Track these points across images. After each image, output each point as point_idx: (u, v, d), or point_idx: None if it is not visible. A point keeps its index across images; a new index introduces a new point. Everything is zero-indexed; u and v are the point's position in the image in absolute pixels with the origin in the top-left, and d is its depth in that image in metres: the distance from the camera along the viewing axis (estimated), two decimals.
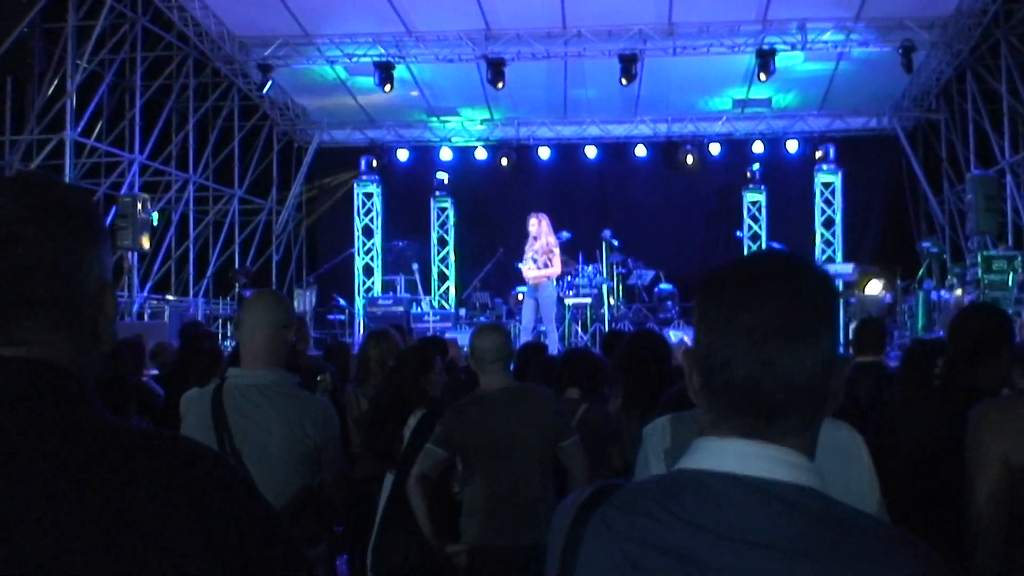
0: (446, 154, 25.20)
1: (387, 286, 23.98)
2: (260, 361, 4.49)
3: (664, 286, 21.52)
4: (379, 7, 18.65)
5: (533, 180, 24.70)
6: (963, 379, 4.32)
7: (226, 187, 23.44)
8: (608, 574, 1.66)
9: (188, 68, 20.91)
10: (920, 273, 18.96)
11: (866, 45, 19.39)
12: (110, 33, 18.26)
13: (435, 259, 25.52)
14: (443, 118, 24.78)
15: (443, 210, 25.69)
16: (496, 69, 19.40)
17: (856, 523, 1.59)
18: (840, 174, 24.22)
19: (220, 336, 20.81)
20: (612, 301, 19.99)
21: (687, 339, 16.30)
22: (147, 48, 19.65)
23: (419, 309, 21.98)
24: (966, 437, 3.50)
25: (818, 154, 24.18)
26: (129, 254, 18.56)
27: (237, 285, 20.13)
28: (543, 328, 16.80)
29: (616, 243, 20.06)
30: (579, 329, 18.96)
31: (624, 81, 19.33)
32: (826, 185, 24.45)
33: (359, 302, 23.75)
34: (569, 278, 19.22)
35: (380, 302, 21.61)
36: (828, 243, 24.37)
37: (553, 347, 14.73)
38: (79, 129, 17.52)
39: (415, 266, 22.79)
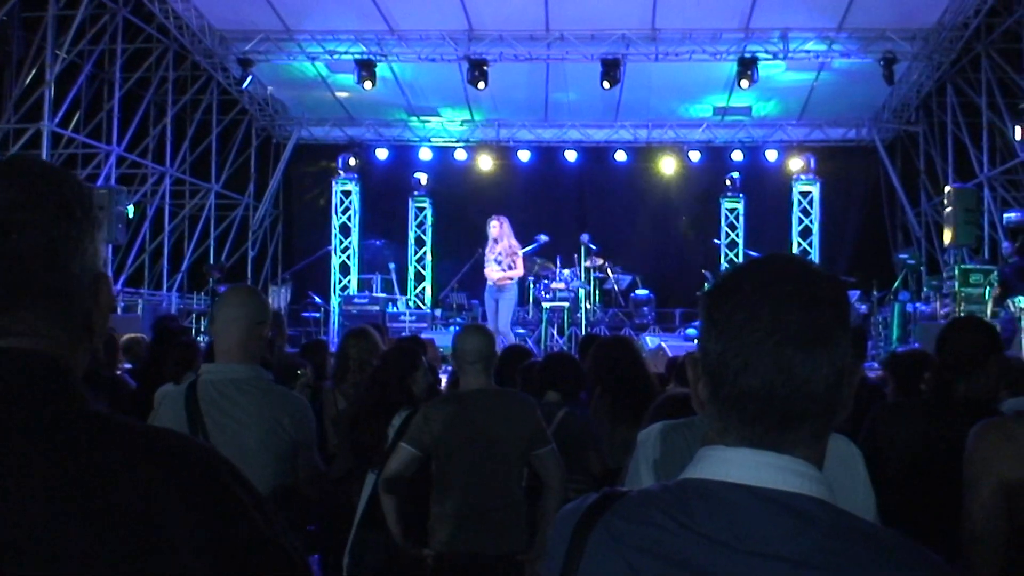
0: (425, 154, 25.16)
1: (363, 285, 23.97)
2: (235, 356, 4.47)
3: (641, 291, 21.58)
4: (361, 4, 18.62)
5: (512, 182, 24.74)
6: (953, 392, 4.32)
7: (203, 181, 23.34)
8: None
9: (168, 61, 20.77)
10: (896, 284, 19.07)
11: (848, 56, 19.46)
12: (90, 23, 18.12)
13: (412, 259, 25.49)
14: (423, 118, 24.77)
15: (421, 210, 25.65)
16: (478, 70, 19.38)
17: (867, 534, 1.57)
18: (818, 184, 24.29)
19: (193, 331, 20.70)
20: (589, 305, 20.01)
21: (664, 345, 16.32)
22: (127, 40, 19.52)
23: (395, 309, 21.96)
24: (964, 453, 3.48)
25: (797, 164, 24.25)
26: (104, 246, 18.44)
27: (211, 280, 20.03)
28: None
29: (594, 247, 20.07)
30: (555, 332, 18.96)
31: (606, 85, 19.34)
32: (804, 194, 24.51)
33: (335, 300, 23.66)
34: (546, 282, 19.24)
35: (356, 301, 21.58)
36: (805, 253, 24.36)
37: None
38: (56, 119, 17.38)
39: (392, 265, 22.80)
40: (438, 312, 22.13)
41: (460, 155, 25.03)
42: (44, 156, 16.90)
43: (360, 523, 5.72)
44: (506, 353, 9.13)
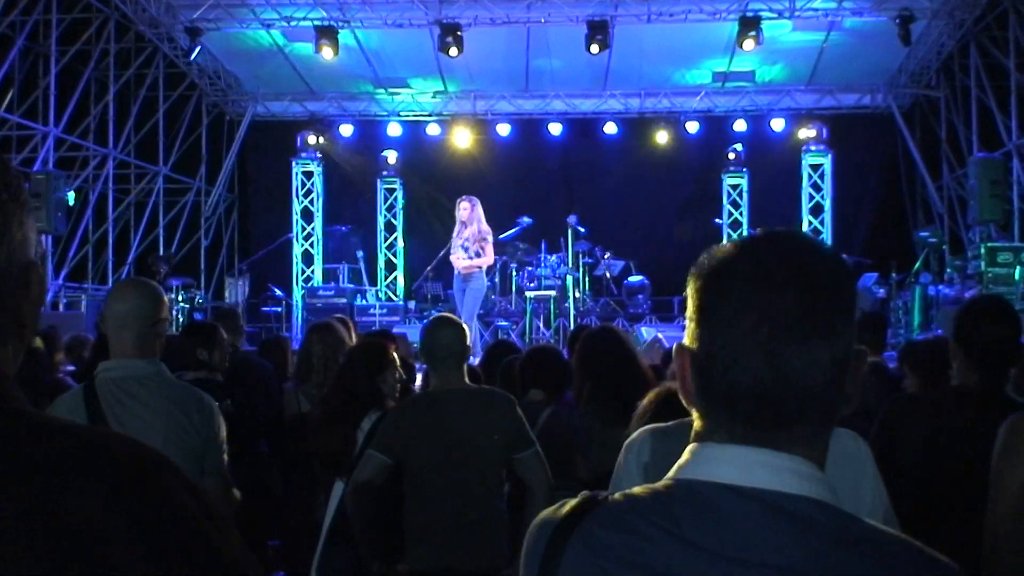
0: (394, 129, 25.06)
1: (328, 275, 23.91)
2: (131, 354, 4.54)
3: (635, 278, 21.53)
4: None
5: (491, 159, 24.66)
6: (982, 384, 4.32)
7: (150, 164, 23.25)
8: None
9: (109, 32, 20.68)
10: (916, 266, 19.05)
11: (860, 14, 19.46)
12: None
13: (382, 246, 25.38)
14: (391, 90, 24.65)
15: (391, 192, 25.57)
16: (451, 35, 19.31)
17: (874, 541, 1.55)
18: (830, 156, 24.27)
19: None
20: (578, 294, 20.00)
21: (661, 336, 16.32)
22: (63, 10, 19.42)
23: (364, 301, 21.94)
24: (995, 448, 3.48)
25: (806, 133, 24.22)
26: (42, 237, 18.37)
27: (160, 273, 19.93)
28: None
29: (582, 230, 20.06)
30: (541, 324, 18.94)
31: (593, 50, 19.31)
32: (814, 168, 24.51)
33: (297, 293, 23.60)
34: (530, 269, 19.23)
35: (321, 293, 21.57)
36: (816, 232, 24.36)
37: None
38: None
39: (360, 254, 22.77)
40: (411, 304, 22.09)
41: (433, 130, 24.92)
42: None
43: (327, 537, 5.71)
44: (490, 350, 9.16)
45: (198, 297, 20.81)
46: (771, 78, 23.70)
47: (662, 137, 24.16)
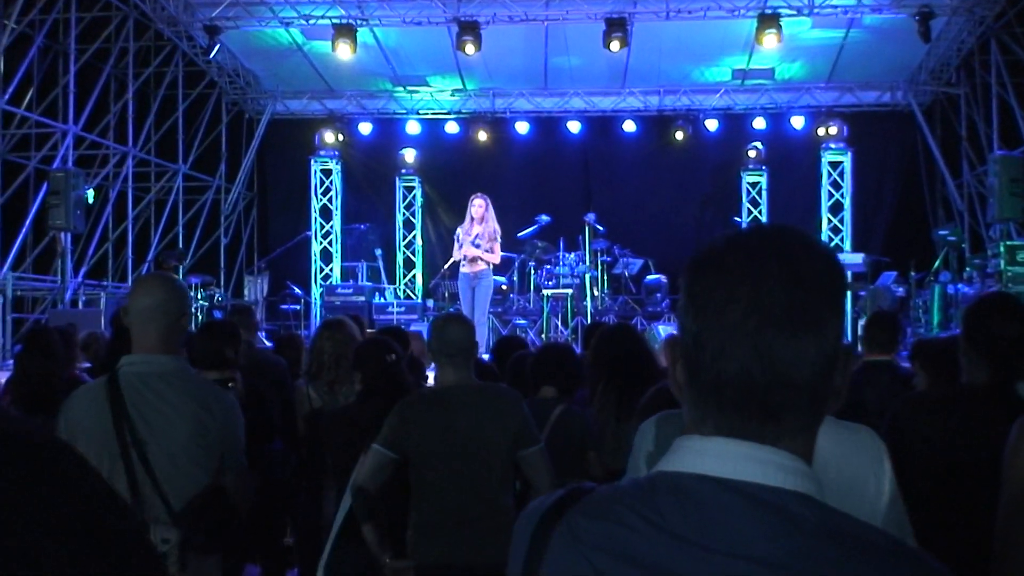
0: (413, 128, 25.11)
1: (347, 273, 23.93)
2: (156, 350, 4.54)
3: (653, 276, 21.48)
4: None
5: (509, 157, 24.70)
6: (992, 382, 4.29)
7: (169, 162, 23.31)
8: None
9: (128, 30, 20.73)
10: (936, 264, 18.99)
11: (879, 11, 19.41)
12: None
13: (400, 244, 25.50)
14: (410, 88, 24.69)
15: (409, 190, 25.65)
16: (469, 33, 19.32)
17: (861, 537, 1.54)
18: (849, 154, 24.23)
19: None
20: (596, 292, 19.98)
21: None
22: (82, 8, 19.47)
23: (382, 299, 21.95)
24: (1007, 446, 3.46)
25: (825, 131, 24.16)
26: (62, 235, 18.42)
27: (172, 269, 19.91)
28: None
29: (601, 228, 20.05)
30: (559, 323, 18.93)
31: (614, 47, 19.28)
32: (834, 166, 24.47)
33: (316, 291, 23.68)
34: (549, 267, 19.23)
35: (339, 291, 21.60)
36: (836, 230, 24.38)
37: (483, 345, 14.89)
38: (7, 97, 17.40)
39: (378, 252, 22.77)
40: (429, 302, 22.10)
41: (451, 128, 24.97)
42: None
43: (338, 535, 5.71)
44: (499, 346, 9.15)
45: (217, 295, 20.85)
46: (791, 75, 23.66)
47: (681, 135, 24.12)
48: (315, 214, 25.11)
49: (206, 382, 4.76)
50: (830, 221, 24.34)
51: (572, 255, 19.44)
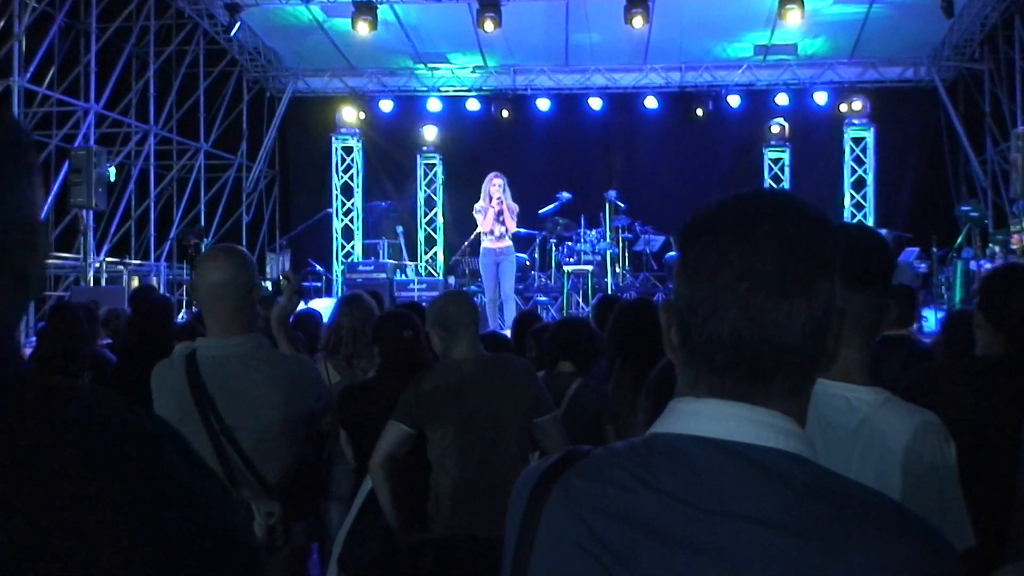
0: (434, 105, 25.11)
1: (368, 251, 23.94)
2: (231, 329, 4.49)
3: (674, 253, 21.40)
4: None
5: (530, 134, 24.66)
6: (1007, 354, 4.28)
7: (191, 140, 23.37)
8: (570, 549, 1.65)
9: (148, 8, 20.78)
10: (959, 240, 18.91)
11: None
12: None
13: (421, 221, 25.54)
14: (431, 65, 24.67)
15: (430, 167, 25.67)
16: (490, 9, 19.29)
17: (852, 496, 1.58)
18: (872, 130, 24.19)
19: (186, 304, 20.75)
20: (617, 269, 19.99)
21: None
22: None
23: (404, 276, 21.97)
24: None
25: (848, 107, 24.09)
26: (84, 213, 18.48)
27: (190, 250, 19.92)
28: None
29: (622, 205, 20.04)
30: (580, 300, 18.94)
31: (637, 23, 19.23)
32: (856, 142, 24.43)
33: (337, 268, 23.72)
34: (570, 244, 19.24)
35: (361, 268, 21.59)
36: (858, 206, 24.34)
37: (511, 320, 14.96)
38: (28, 75, 17.43)
39: (399, 229, 22.77)
40: (451, 280, 22.11)
41: (472, 105, 24.97)
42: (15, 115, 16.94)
43: (361, 509, 5.75)
44: (519, 320, 9.18)
45: None
46: (813, 51, 23.55)
47: (702, 111, 24.05)
48: (336, 192, 25.20)
49: (286, 357, 4.71)
50: (853, 197, 24.31)
51: (593, 232, 19.43)
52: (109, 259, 20.42)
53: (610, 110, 24.73)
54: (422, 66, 24.70)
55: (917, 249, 19.24)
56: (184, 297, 21.88)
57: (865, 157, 24.34)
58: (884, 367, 6.98)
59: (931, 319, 16.76)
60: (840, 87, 24.29)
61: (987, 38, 22.02)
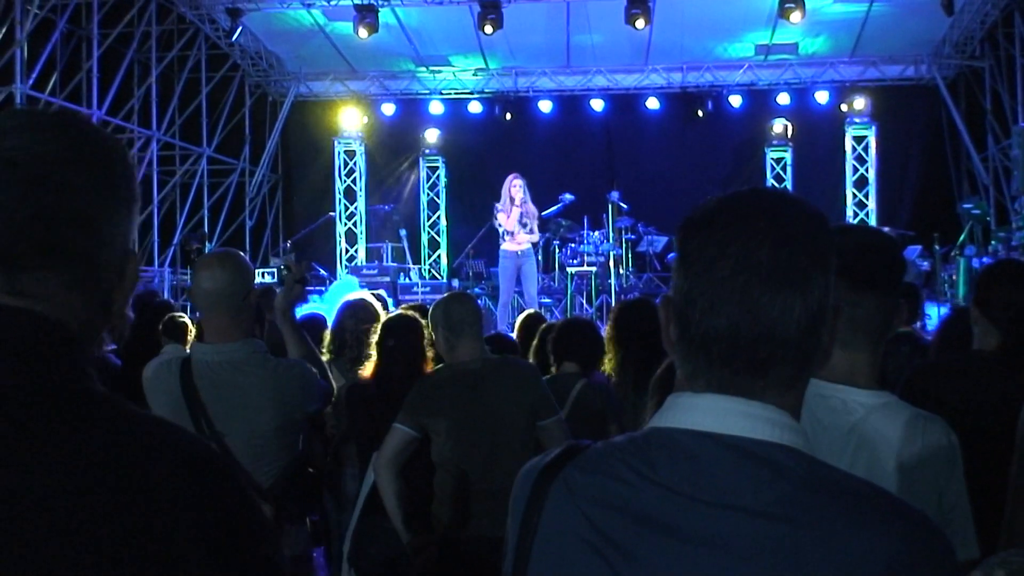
0: (436, 108, 25.14)
1: (372, 254, 23.94)
2: (227, 335, 4.52)
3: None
4: None
5: (533, 136, 24.68)
6: (1002, 349, 4.30)
7: (193, 145, 23.34)
8: (571, 541, 1.69)
9: (150, 14, 20.78)
10: (961, 238, 18.90)
11: None
12: None
13: (424, 224, 25.58)
14: (433, 68, 24.69)
15: (433, 170, 25.71)
16: (491, 12, 19.31)
17: (844, 486, 1.61)
18: (874, 128, 24.16)
19: (189, 308, 20.77)
20: (621, 270, 19.99)
21: None
22: None
23: (407, 279, 21.99)
24: (1020, 415, 3.47)
25: (849, 106, 24.10)
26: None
27: (192, 254, 19.92)
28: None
29: (625, 206, 20.05)
30: (583, 301, 18.96)
31: (639, 25, 19.25)
32: (858, 140, 24.41)
33: (341, 272, 23.71)
34: (573, 245, 19.25)
35: (364, 271, 21.59)
36: (861, 205, 24.32)
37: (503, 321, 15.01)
38: (30, 82, 17.44)
39: (403, 232, 22.81)
40: (455, 282, 22.12)
41: (474, 108, 25.01)
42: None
43: (364, 508, 5.78)
44: (524, 323, 9.19)
45: None
46: (814, 50, 23.54)
47: (704, 111, 24.07)
48: (339, 195, 25.22)
49: (281, 362, 4.69)
50: (855, 196, 24.30)
51: (596, 233, 19.42)
52: None
53: (612, 111, 24.76)
54: (424, 69, 24.72)
55: (919, 247, 19.23)
56: (188, 302, 21.86)
57: (867, 155, 24.32)
58: (888, 362, 7.01)
59: (935, 316, 16.74)
60: (841, 86, 24.30)
61: (987, 35, 21.99)
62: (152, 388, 4.66)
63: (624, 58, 23.72)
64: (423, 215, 25.52)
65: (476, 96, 25.06)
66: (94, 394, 1.51)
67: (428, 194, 25.67)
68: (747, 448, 1.61)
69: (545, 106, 24.60)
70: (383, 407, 5.76)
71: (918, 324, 10.64)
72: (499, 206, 16.90)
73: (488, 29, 19.44)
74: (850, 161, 24.43)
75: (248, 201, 25.02)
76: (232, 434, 4.36)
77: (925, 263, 19.00)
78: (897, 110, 24.20)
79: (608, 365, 6.66)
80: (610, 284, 19.16)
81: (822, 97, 24.28)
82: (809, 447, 1.66)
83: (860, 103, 23.97)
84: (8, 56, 17.07)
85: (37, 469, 1.40)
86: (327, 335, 7.43)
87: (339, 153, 25.34)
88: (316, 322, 9.18)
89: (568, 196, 18.87)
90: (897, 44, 23.02)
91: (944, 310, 16.40)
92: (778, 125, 24.43)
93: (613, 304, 16.73)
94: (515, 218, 16.64)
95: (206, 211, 23.87)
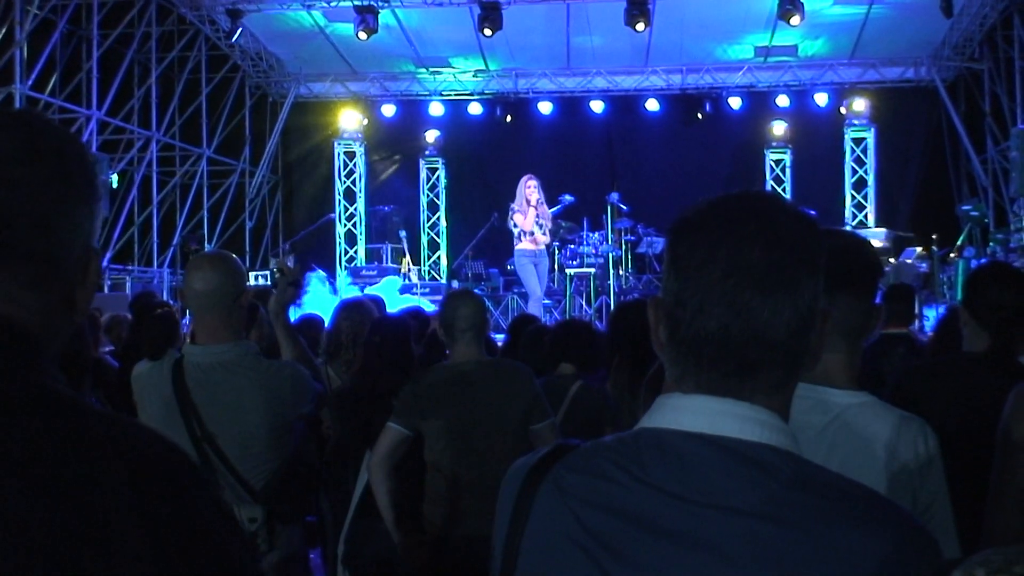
0: (436, 109, 25.19)
1: (372, 255, 24.04)
2: (218, 336, 4.50)
3: None
4: None
5: (532, 137, 24.71)
6: (991, 350, 4.30)
7: (193, 146, 23.38)
8: (559, 540, 1.68)
9: (150, 15, 20.82)
10: (960, 240, 18.91)
11: None
12: None
13: (424, 225, 25.61)
14: (433, 69, 24.75)
15: (433, 171, 25.76)
16: (491, 13, 19.32)
17: (835, 488, 1.61)
18: (873, 130, 24.24)
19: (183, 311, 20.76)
20: (620, 272, 19.99)
21: None
22: None
23: (407, 280, 21.99)
24: (1003, 416, 3.48)
25: (849, 108, 24.15)
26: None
27: (191, 255, 19.96)
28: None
29: (624, 207, 20.04)
30: (583, 303, 18.96)
31: (639, 27, 19.26)
32: (857, 142, 24.46)
33: (341, 273, 23.72)
34: (572, 246, 19.25)
35: (364, 273, 21.61)
36: (860, 206, 24.36)
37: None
38: (30, 82, 17.45)
39: (402, 233, 22.82)
40: (455, 284, 22.13)
41: (475, 109, 25.07)
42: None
43: (357, 509, 5.77)
44: (514, 324, 9.18)
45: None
46: (814, 52, 23.60)
47: (704, 113, 24.09)
48: (339, 196, 25.27)
49: (274, 365, 4.66)
50: (854, 198, 24.35)
51: (596, 234, 19.41)
52: (112, 266, 20.43)
53: (612, 112, 24.81)
54: (424, 70, 24.77)
55: (918, 249, 19.22)
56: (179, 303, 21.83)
57: (866, 157, 24.37)
58: (885, 363, 7.01)
59: (932, 318, 16.74)
60: (841, 88, 24.38)
61: (986, 37, 22.03)
62: (143, 389, 4.66)
63: (624, 60, 23.75)
64: (423, 216, 25.57)
65: (476, 97, 25.11)
66: (51, 393, 1.47)
67: (428, 195, 25.71)
68: (736, 449, 1.61)
69: (545, 107, 24.64)
70: (369, 406, 5.76)
71: (916, 326, 10.65)
72: (515, 207, 16.90)
73: (488, 32, 19.45)
74: (849, 163, 24.49)
75: (248, 202, 25.04)
76: (224, 435, 4.36)
77: (923, 265, 18.97)
78: (896, 112, 24.25)
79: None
80: (609, 285, 19.15)
81: (821, 99, 24.34)
82: (798, 448, 1.66)
83: (859, 105, 24.02)
84: (8, 56, 17.10)
85: None
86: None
87: (339, 154, 25.40)
88: (313, 323, 9.19)
89: (568, 197, 18.85)
90: (896, 46, 23.07)
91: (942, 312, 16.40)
92: (777, 127, 24.43)
93: (612, 305, 16.79)
94: (532, 219, 16.70)
95: (206, 212, 23.90)
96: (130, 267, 21.32)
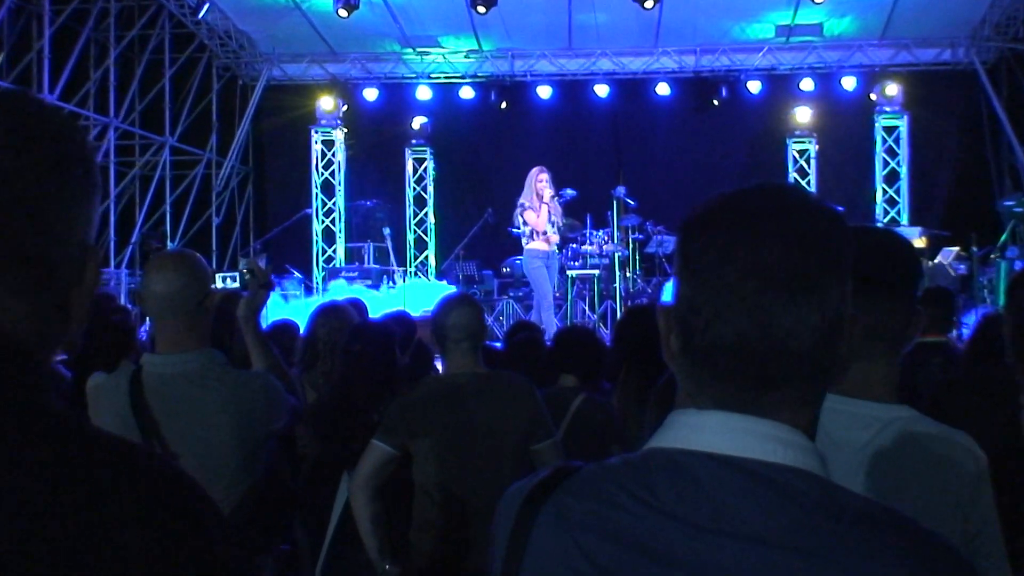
0: (424, 93, 25.09)
1: (352, 254, 24.00)
2: (181, 344, 4.44)
3: None
4: None
5: (530, 125, 24.67)
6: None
7: (155, 134, 23.29)
8: (562, 572, 1.66)
9: None
10: (1002, 238, 18.89)
11: None
12: None
13: (411, 222, 25.59)
14: (420, 49, 24.69)
15: (420, 162, 25.72)
16: None
17: (864, 513, 1.58)
18: (906, 118, 24.18)
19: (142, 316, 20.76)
20: (627, 273, 19.97)
21: None
22: None
23: (391, 283, 21.96)
24: None
25: (879, 93, 24.10)
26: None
27: (153, 250, 19.93)
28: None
29: (632, 203, 20.03)
30: (585, 308, 18.93)
31: (648, 4, 19.25)
32: (889, 131, 24.43)
33: (318, 274, 23.71)
34: (575, 246, 19.23)
35: (344, 274, 21.59)
36: (891, 202, 24.33)
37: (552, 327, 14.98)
38: None
39: (387, 230, 22.75)
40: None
41: (466, 93, 24.93)
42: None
43: (335, 537, 5.74)
44: (510, 333, 9.17)
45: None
46: (840, 32, 23.54)
47: (720, 99, 24.06)
48: (316, 190, 25.20)
49: (242, 373, 4.61)
50: (885, 192, 24.32)
51: (600, 232, 19.38)
52: None
53: (618, 98, 24.68)
54: (410, 51, 24.71)
55: (955, 249, 19.21)
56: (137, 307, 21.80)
57: (898, 148, 24.34)
58: (920, 375, 7.00)
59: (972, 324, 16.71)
60: (870, 71, 24.31)
61: None
62: (97, 404, 4.59)
63: (632, 39, 23.74)
64: (409, 212, 25.53)
65: (468, 81, 25.02)
66: (48, 412, 1.47)
67: (415, 188, 25.69)
68: (756, 471, 1.59)
69: (544, 92, 24.56)
70: (350, 422, 5.73)
71: (953, 333, 10.64)
72: (524, 203, 16.84)
73: (481, 8, 19.43)
74: (880, 154, 24.45)
75: (215, 196, 24.95)
76: (187, 455, 4.24)
77: (961, 266, 18.94)
78: (931, 98, 24.17)
79: None
80: (615, 289, 19.13)
81: (849, 83, 24.27)
82: (825, 470, 1.64)
83: (891, 90, 23.96)
84: None
85: None
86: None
87: (316, 143, 25.31)
88: (288, 330, 9.16)
89: (569, 192, 18.83)
90: (931, 25, 22.99)
91: None
92: (800, 114, 24.40)
93: (619, 311, 16.75)
94: (545, 217, 16.68)
95: (168, 207, 23.81)
96: None
